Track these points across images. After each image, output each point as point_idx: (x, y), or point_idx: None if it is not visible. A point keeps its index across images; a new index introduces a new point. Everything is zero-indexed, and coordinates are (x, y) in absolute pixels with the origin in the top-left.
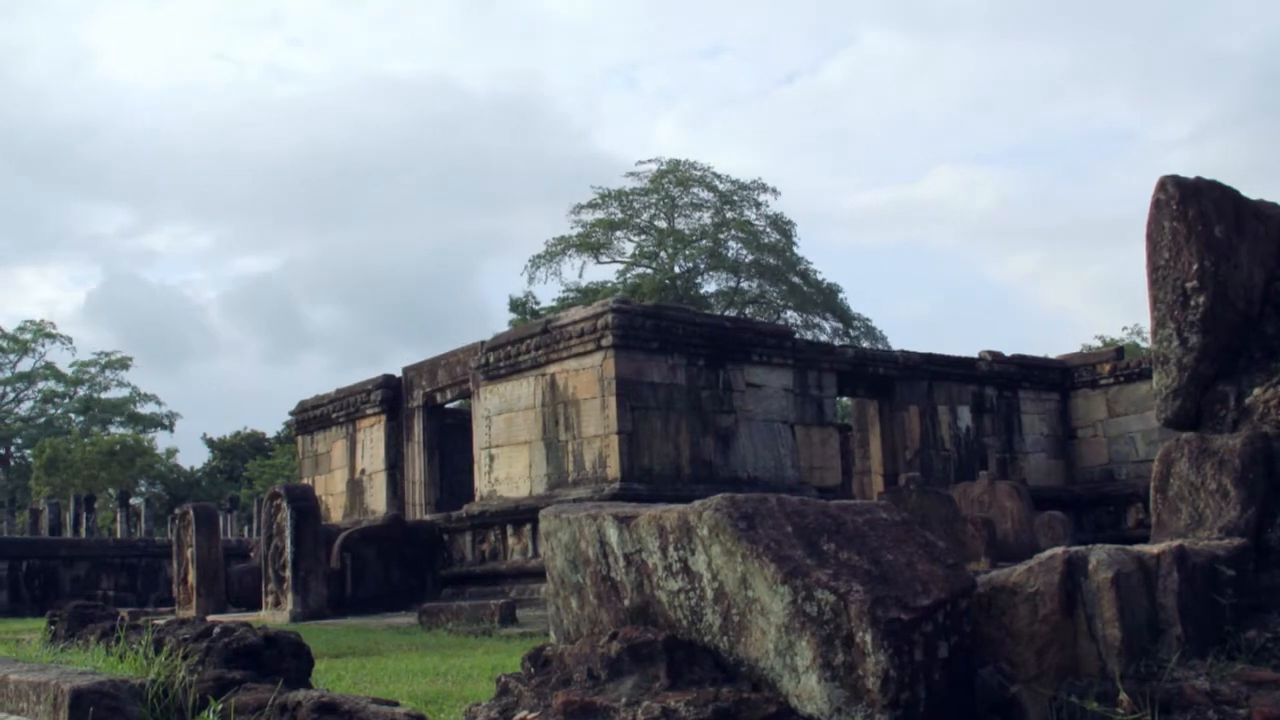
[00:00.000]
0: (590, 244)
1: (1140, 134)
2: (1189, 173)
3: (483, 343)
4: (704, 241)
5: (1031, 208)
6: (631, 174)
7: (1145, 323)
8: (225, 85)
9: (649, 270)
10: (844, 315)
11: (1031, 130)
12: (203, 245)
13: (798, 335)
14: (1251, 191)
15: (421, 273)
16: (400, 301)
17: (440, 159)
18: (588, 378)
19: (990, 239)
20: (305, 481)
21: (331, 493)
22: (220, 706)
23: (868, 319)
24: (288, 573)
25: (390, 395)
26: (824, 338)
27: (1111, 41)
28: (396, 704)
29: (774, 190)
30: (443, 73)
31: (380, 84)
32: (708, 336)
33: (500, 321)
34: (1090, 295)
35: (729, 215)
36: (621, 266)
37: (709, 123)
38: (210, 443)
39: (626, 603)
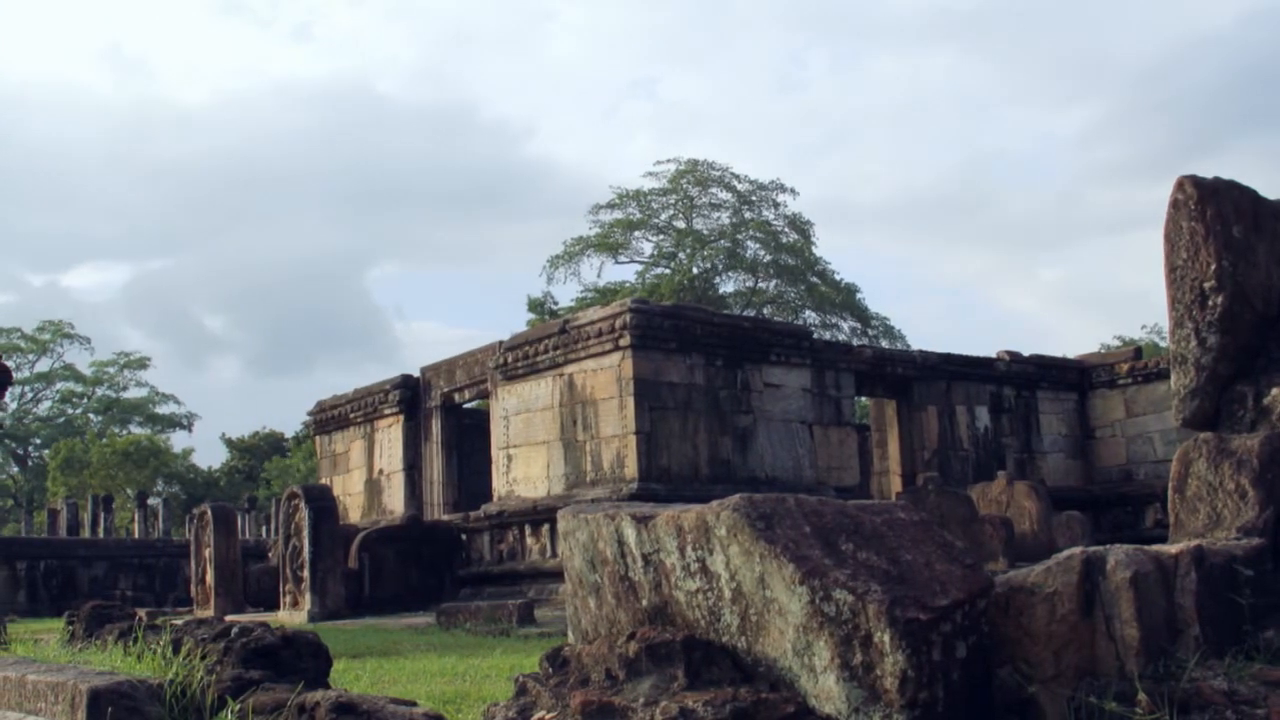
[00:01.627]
0: (608, 244)
1: (1037, 136)
2: (1091, 173)
3: (501, 343)
4: (722, 241)
5: (963, 210)
6: (650, 174)
7: (1086, 326)
8: (136, 91)
9: (667, 270)
10: (862, 315)
11: (926, 134)
12: (101, 250)
13: (816, 335)
14: (1147, 185)
15: (321, 277)
16: (299, 306)
17: (365, 165)
18: (606, 378)
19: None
20: (323, 481)
21: (349, 493)
22: (238, 706)
23: (886, 318)
24: (305, 573)
25: (408, 395)
26: (842, 337)
27: (995, 47)
28: (415, 704)
29: (792, 190)
30: (366, 79)
31: (295, 90)
32: (726, 336)
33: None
34: (1047, 298)
35: (747, 215)
36: (640, 267)
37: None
38: (229, 443)
39: (644, 603)
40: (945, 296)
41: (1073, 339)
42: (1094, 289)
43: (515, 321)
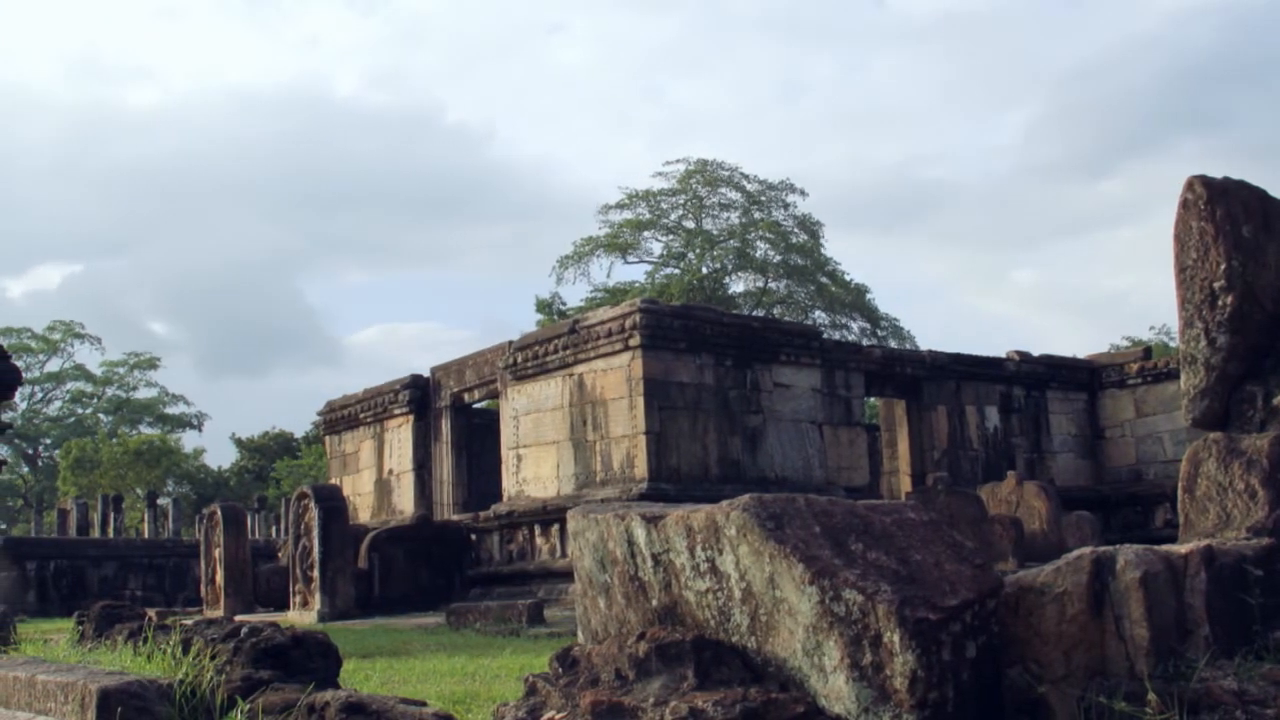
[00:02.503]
0: (618, 244)
1: (984, 138)
2: (1037, 175)
3: (510, 343)
4: (732, 242)
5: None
6: (659, 174)
7: (1058, 329)
8: (82, 94)
9: (677, 270)
10: (872, 315)
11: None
12: (42, 252)
13: (825, 335)
14: (1083, 179)
15: (270, 280)
16: (243, 310)
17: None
18: (615, 378)
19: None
20: (333, 481)
21: (359, 493)
22: (248, 706)
23: (895, 319)
24: (315, 573)
25: (418, 395)
26: (852, 338)
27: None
28: (424, 704)
29: (802, 191)
30: (318, 80)
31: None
32: (735, 336)
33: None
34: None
35: (757, 215)
36: (649, 267)
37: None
38: (239, 442)
39: (654, 603)
40: (913, 300)
41: (1049, 341)
42: (1068, 291)
43: (476, 326)
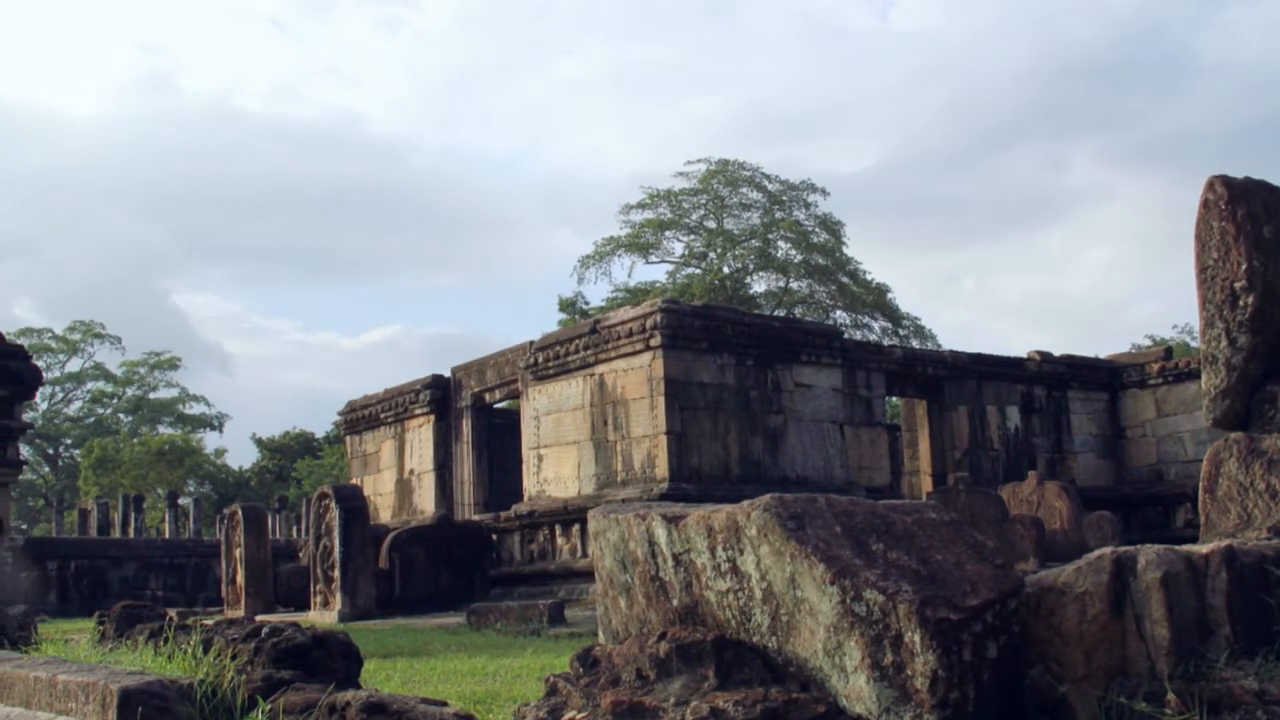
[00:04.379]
0: (639, 244)
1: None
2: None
3: (531, 343)
4: (753, 241)
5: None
6: (680, 174)
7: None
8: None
9: (698, 270)
10: (893, 315)
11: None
12: None
13: (846, 335)
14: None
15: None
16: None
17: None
18: (636, 378)
19: None
20: (354, 481)
21: (380, 493)
22: (269, 707)
23: (917, 318)
24: (336, 573)
25: (439, 395)
26: (873, 337)
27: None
28: (445, 704)
29: (823, 190)
30: (228, 96)
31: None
32: (756, 336)
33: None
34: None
35: (778, 215)
36: (671, 267)
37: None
38: (259, 442)
39: (675, 603)
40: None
41: (1001, 345)
42: (1020, 295)
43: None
